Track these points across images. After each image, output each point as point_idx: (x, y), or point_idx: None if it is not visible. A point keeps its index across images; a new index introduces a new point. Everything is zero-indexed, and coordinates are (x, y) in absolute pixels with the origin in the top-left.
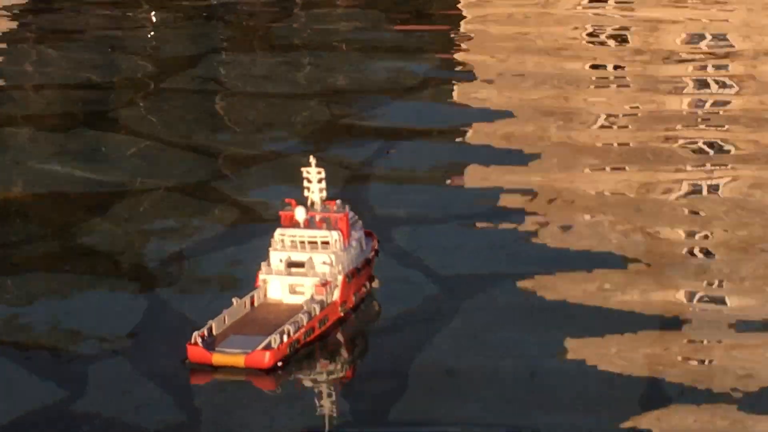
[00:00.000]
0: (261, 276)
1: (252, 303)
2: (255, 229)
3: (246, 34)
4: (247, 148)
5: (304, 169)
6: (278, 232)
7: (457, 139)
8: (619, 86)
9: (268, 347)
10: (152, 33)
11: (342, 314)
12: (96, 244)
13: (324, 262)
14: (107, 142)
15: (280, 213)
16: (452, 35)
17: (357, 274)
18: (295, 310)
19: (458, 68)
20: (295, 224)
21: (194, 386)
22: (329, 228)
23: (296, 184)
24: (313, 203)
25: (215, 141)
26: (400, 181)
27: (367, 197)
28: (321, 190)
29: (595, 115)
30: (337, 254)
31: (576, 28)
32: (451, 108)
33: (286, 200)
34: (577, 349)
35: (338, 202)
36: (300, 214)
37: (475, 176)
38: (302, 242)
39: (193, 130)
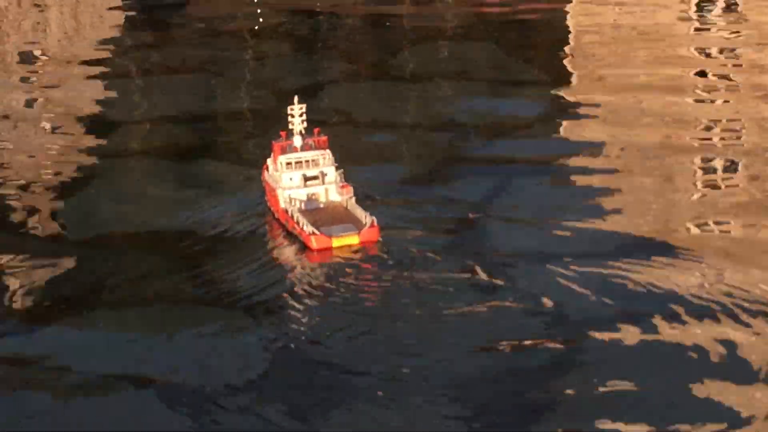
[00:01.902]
0: (285, 191)
1: (287, 210)
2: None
3: (356, 65)
4: (376, 176)
5: (289, 107)
6: (281, 158)
7: (572, 177)
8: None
9: (371, 226)
10: (265, 65)
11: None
12: (220, 278)
13: (330, 173)
14: (227, 173)
15: (273, 143)
16: (561, 71)
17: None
18: (336, 207)
19: (568, 105)
20: (293, 150)
21: None
22: (321, 147)
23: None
24: (300, 131)
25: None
26: (519, 219)
27: (484, 234)
28: (302, 122)
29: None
30: (333, 164)
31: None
32: (565, 144)
33: (281, 133)
34: None
35: (317, 129)
36: (297, 141)
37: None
38: (308, 161)
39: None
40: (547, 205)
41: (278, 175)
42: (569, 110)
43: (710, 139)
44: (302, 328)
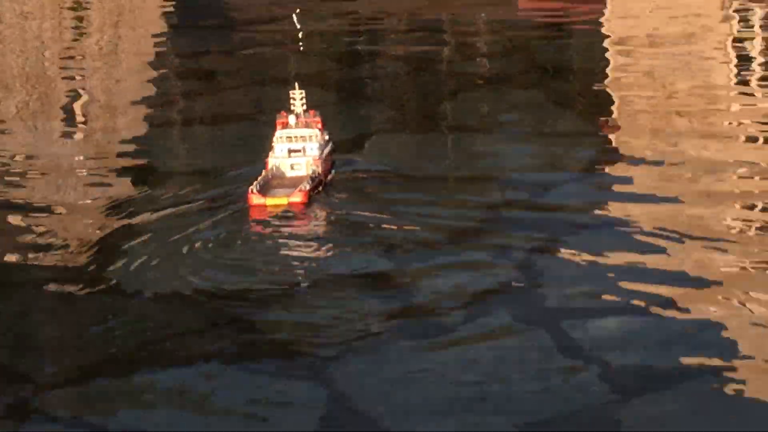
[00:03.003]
0: (272, 160)
1: (270, 175)
2: None
3: (403, 113)
4: (427, 231)
5: (291, 91)
6: (278, 132)
7: (624, 228)
8: None
9: (299, 191)
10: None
11: (326, 180)
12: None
13: (313, 148)
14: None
15: (276, 122)
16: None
17: (329, 157)
18: (300, 178)
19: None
20: (288, 126)
21: None
22: (311, 127)
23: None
24: (298, 113)
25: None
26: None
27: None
28: (302, 105)
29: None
30: (319, 143)
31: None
32: (609, 193)
33: (282, 113)
34: None
35: (314, 111)
36: (292, 119)
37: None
38: (296, 137)
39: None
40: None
41: (273, 147)
42: (616, 161)
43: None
44: None
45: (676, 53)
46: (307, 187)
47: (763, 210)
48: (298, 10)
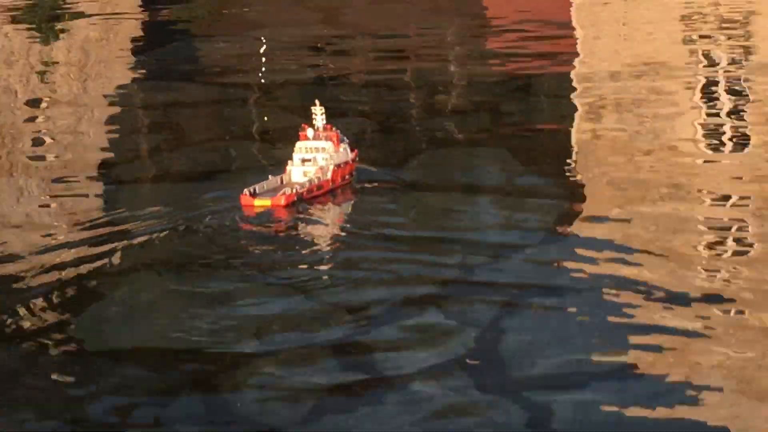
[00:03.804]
0: (288, 167)
1: (281, 181)
2: None
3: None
4: (384, 290)
5: (312, 108)
6: (297, 144)
7: (589, 290)
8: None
9: (282, 194)
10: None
11: (332, 186)
12: None
13: (323, 158)
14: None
15: (300, 133)
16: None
17: (342, 166)
18: (299, 184)
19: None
20: (306, 138)
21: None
22: (326, 139)
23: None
24: (317, 127)
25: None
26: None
27: (500, 356)
28: (322, 120)
29: None
30: (330, 154)
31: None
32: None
33: (304, 125)
34: None
35: (331, 126)
36: (310, 132)
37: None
38: (311, 147)
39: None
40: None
41: (293, 156)
42: (581, 221)
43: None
44: None
45: (642, 111)
46: (288, 192)
47: (730, 271)
48: (263, 59)
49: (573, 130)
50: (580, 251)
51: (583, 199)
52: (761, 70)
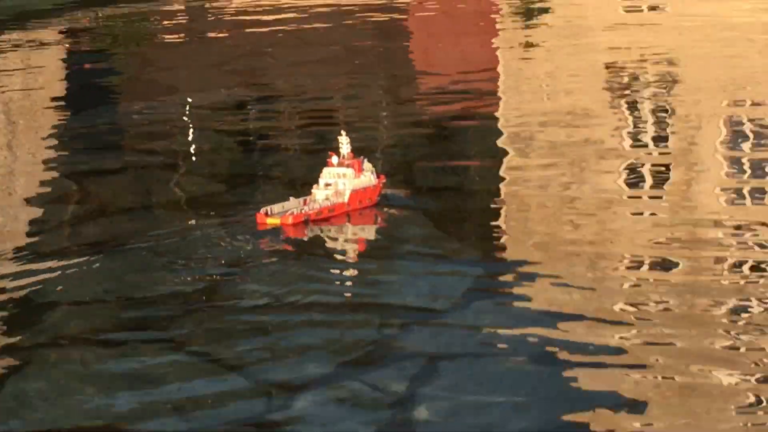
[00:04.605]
0: (313, 190)
1: (305, 203)
2: None
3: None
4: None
5: (338, 137)
6: (324, 169)
7: (513, 354)
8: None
9: (290, 214)
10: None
11: (348, 209)
12: None
13: (343, 183)
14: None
15: (327, 160)
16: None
17: (363, 191)
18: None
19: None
20: (331, 165)
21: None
22: (348, 166)
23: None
24: (343, 154)
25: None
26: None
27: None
28: (347, 148)
29: None
30: (350, 179)
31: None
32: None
33: (331, 152)
34: None
35: (352, 153)
36: (334, 159)
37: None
38: (333, 173)
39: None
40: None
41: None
42: (506, 281)
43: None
44: None
45: (570, 159)
46: (296, 212)
47: (657, 326)
48: (187, 124)
49: (501, 184)
50: (505, 312)
51: (506, 259)
52: (682, 115)
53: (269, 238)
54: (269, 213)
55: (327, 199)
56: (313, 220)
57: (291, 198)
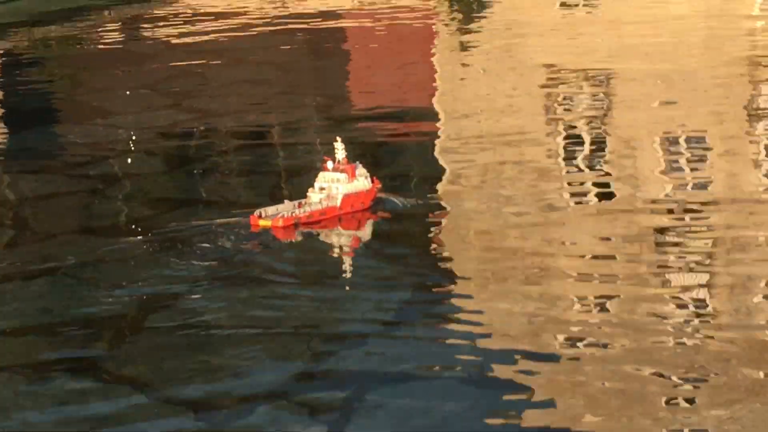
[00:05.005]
0: (308, 193)
1: (299, 206)
2: None
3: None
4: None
5: (334, 143)
6: (320, 174)
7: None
8: None
9: (281, 217)
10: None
11: (340, 213)
12: None
13: (336, 188)
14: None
15: (323, 165)
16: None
17: (356, 195)
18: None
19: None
20: (326, 170)
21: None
22: (342, 171)
23: None
24: (338, 160)
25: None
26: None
27: None
28: (342, 154)
29: None
30: (343, 184)
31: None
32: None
33: (326, 157)
34: None
35: (347, 159)
36: (329, 164)
37: None
38: (328, 178)
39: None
40: None
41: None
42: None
43: None
44: None
45: (509, 181)
46: (286, 215)
47: (594, 334)
48: (125, 147)
49: (442, 203)
50: (438, 330)
51: (445, 282)
52: (618, 137)
53: (218, 257)
54: (262, 215)
55: (320, 202)
56: (304, 223)
57: (285, 201)
